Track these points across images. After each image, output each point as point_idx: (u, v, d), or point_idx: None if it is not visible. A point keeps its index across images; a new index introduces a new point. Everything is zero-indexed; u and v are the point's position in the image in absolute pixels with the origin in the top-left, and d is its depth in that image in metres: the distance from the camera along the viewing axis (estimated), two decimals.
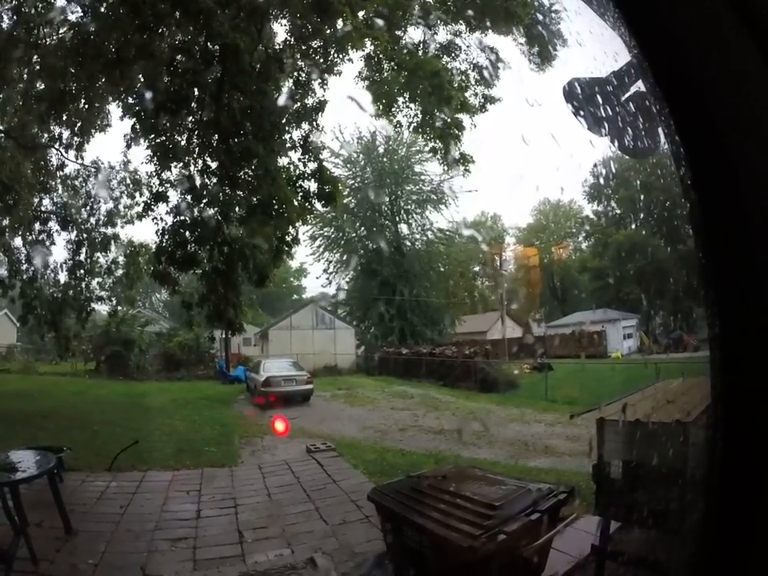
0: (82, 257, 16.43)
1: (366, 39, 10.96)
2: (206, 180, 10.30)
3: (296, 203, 10.60)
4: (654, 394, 5.77)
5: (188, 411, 14.71)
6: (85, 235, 16.20)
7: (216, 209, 10.24)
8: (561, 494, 3.61)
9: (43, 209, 15.35)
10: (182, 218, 10.23)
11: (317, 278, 38.04)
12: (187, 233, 10.25)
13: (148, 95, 9.66)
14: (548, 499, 3.51)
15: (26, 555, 4.75)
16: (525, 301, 45.82)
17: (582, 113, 1.83)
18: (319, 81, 11.24)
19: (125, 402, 16.07)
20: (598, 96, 1.81)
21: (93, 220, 16.37)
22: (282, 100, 10.68)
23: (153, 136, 10.29)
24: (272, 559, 5.26)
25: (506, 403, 15.98)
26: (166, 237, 10.36)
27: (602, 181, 35.58)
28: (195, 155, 10.40)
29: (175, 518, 6.52)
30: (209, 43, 9.32)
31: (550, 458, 9.37)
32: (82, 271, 16.58)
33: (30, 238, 15.39)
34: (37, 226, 15.14)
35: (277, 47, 11.28)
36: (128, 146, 12.32)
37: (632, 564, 3.70)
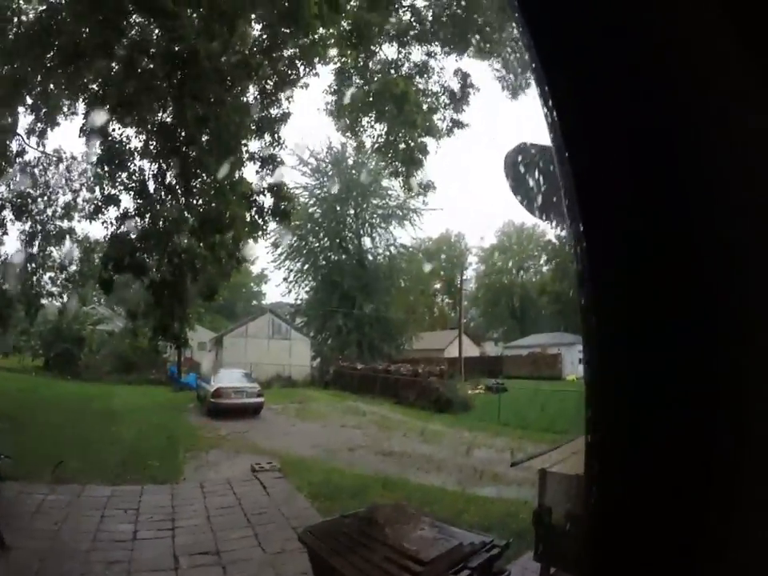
0: (35, 249, 15.74)
1: (335, 54, 10.80)
2: (159, 187, 9.90)
3: (248, 219, 10.29)
4: None
5: (136, 418, 14.31)
6: (39, 227, 15.49)
7: (167, 216, 9.83)
8: (493, 548, 3.51)
9: None
10: (132, 223, 9.78)
11: (276, 285, 37.72)
12: (136, 240, 9.82)
13: (101, 93, 9.24)
14: (480, 555, 3.41)
15: None
16: (483, 321, 46.53)
17: (515, 185, 1.65)
18: (286, 92, 10.94)
19: (72, 405, 15.57)
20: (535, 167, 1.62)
21: (49, 211, 15.71)
22: (245, 109, 10.35)
23: (103, 138, 9.79)
24: None
25: (458, 425, 15.97)
26: (115, 242, 9.89)
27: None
28: (151, 159, 9.97)
29: (111, 538, 6.23)
30: (172, 45, 8.96)
31: (497, 486, 9.31)
32: (33, 264, 15.88)
33: None
34: None
35: (246, 53, 10.99)
36: (87, 140, 11.69)
37: None
